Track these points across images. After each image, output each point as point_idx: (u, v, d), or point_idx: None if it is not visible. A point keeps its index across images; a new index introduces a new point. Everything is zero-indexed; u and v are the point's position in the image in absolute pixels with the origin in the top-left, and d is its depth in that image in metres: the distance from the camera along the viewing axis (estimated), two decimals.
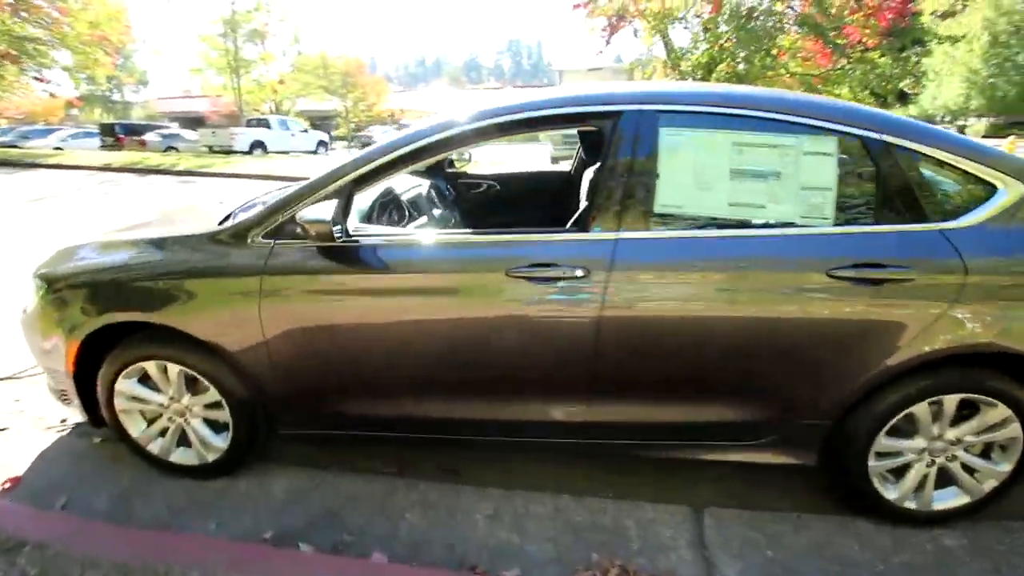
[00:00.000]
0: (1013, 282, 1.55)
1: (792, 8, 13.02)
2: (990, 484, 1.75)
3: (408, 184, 2.69)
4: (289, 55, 28.08)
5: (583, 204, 2.67)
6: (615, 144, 1.63)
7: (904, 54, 15.18)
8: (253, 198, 2.31)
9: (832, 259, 1.56)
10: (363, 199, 2.05)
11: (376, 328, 1.73)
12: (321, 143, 21.91)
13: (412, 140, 1.72)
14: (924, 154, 1.60)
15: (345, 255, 1.69)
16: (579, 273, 1.58)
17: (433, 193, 2.80)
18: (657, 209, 1.61)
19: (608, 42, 13.92)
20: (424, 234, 1.76)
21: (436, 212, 2.64)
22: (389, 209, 2.26)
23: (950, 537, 1.79)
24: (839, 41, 12.67)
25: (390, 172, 1.75)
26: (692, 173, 1.63)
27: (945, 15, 20.62)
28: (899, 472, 1.77)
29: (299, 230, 1.69)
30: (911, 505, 1.79)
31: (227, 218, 1.99)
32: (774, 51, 13.17)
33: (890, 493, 1.78)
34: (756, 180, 1.61)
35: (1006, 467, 1.72)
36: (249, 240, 1.76)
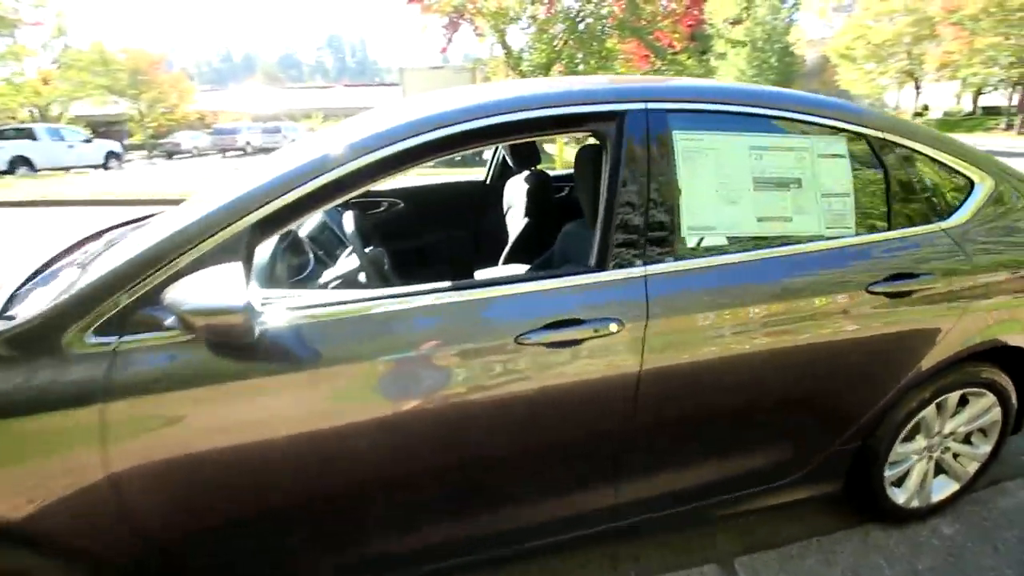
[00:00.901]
0: (1008, 276, 1.55)
1: (613, 11, 14.08)
2: (973, 467, 1.82)
3: None
4: (53, 49, 22.68)
5: (517, 221, 2.43)
6: (623, 153, 1.27)
7: (704, 56, 17.42)
8: (52, 258, 1.47)
9: (868, 273, 1.41)
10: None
11: (317, 450, 1.13)
12: (112, 154, 17.98)
13: (360, 153, 1.15)
14: (916, 151, 1.53)
15: (268, 351, 1.07)
16: (613, 328, 1.20)
17: (329, 221, 2.16)
18: (684, 232, 1.29)
19: (450, 40, 13.61)
20: (386, 294, 1.20)
21: (340, 250, 2.02)
22: (288, 255, 1.62)
23: (945, 525, 1.82)
24: (656, 44, 14.01)
25: (317, 204, 1.17)
26: (715, 185, 1.34)
27: (735, 22, 24.40)
28: (904, 474, 1.74)
29: (169, 320, 1.03)
30: (915, 503, 1.79)
31: (5, 307, 1.19)
32: (603, 53, 14.12)
33: (899, 497, 1.75)
34: (779, 189, 1.38)
35: (986, 448, 1.79)
36: (64, 344, 1.02)
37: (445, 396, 1.15)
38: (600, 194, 1.29)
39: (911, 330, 1.46)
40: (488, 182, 2.80)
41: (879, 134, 1.48)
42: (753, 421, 1.44)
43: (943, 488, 1.82)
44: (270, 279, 1.36)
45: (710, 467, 1.47)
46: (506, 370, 1.17)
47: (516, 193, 2.39)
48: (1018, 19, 20.86)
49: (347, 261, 1.57)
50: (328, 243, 1.97)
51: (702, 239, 1.32)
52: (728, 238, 1.34)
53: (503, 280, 1.22)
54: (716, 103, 1.35)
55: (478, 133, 1.22)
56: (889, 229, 1.47)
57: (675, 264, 1.27)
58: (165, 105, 28.13)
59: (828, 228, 1.41)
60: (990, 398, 1.69)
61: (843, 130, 1.45)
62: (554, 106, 1.27)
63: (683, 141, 1.31)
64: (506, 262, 2.27)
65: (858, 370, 1.46)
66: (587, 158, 1.52)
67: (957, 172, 1.58)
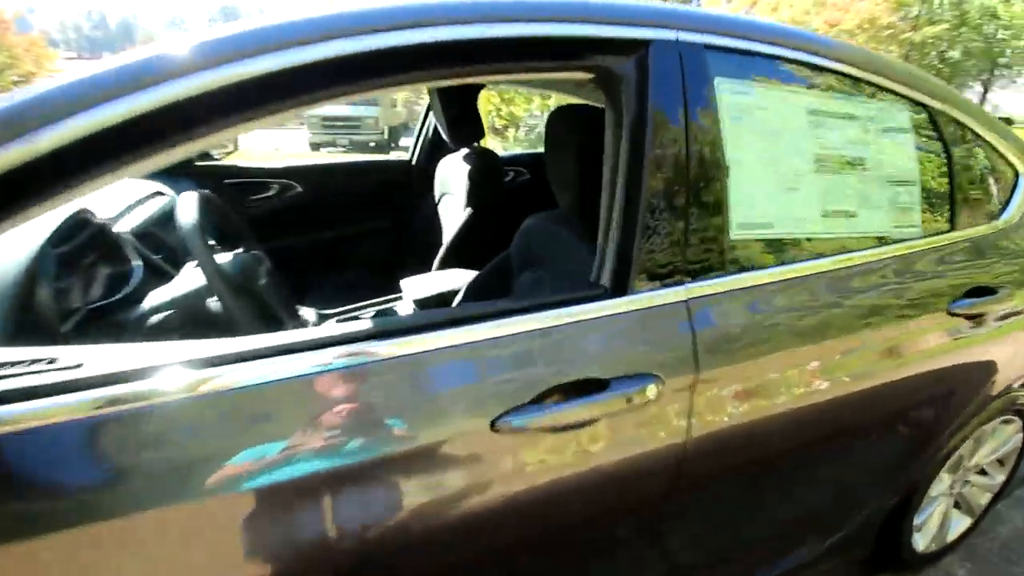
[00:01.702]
0: None
1: None
2: (986, 499, 1.61)
3: (124, 198, 1.37)
4: None
5: (455, 212, 1.86)
6: (648, 109, 0.80)
7: None
8: None
9: (947, 288, 1.06)
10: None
11: None
12: None
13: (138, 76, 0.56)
14: (974, 130, 1.21)
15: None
16: (651, 392, 0.73)
17: (214, 213, 1.50)
18: (735, 233, 0.85)
19: None
20: (227, 351, 0.62)
21: (226, 259, 1.38)
22: (92, 273, 0.98)
23: (957, 565, 1.61)
24: None
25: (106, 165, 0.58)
26: (771, 163, 0.91)
27: None
28: (927, 518, 1.48)
29: None
30: (933, 547, 1.54)
31: None
32: None
33: (919, 544, 1.49)
34: (843, 172, 0.99)
35: (1001, 478, 1.58)
36: None
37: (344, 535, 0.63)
38: (613, 175, 0.81)
39: (982, 359, 1.15)
40: (415, 162, 2.23)
41: (941, 106, 1.14)
42: (811, 482, 1.06)
43: (957, 525, 1.60)
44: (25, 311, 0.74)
45: (748, 548, 1.07)
46: (475, 482, 0.67)
47: (453, 177, 1.86)
48: (886, 35, 23.39)
49: (187, 276, 0.97)
50: (171, 245, 1.33)
51: (758, 241, 0.89)
52: (787, 240, 0.92)
53: (457, 318, 0.69)
54: (768, 42, 0.92)
55: (388, 59, 0.66)
56: (952, 229, 1.14)
57: (727, 280, 0.83)
58: (17, 73, 23.96)
59: (895, 226, 1.05)
60: (1016, 424, 1.47)
61: (906, 97, 1.09)
62: (534, 19, 0.76)
63: (728, 95, 0.87)
64: (442, 266, 1.75)
65: (925, 412, 1.13)
66: (574, 122, 1.05)
67: (1004, 160, 1.29)
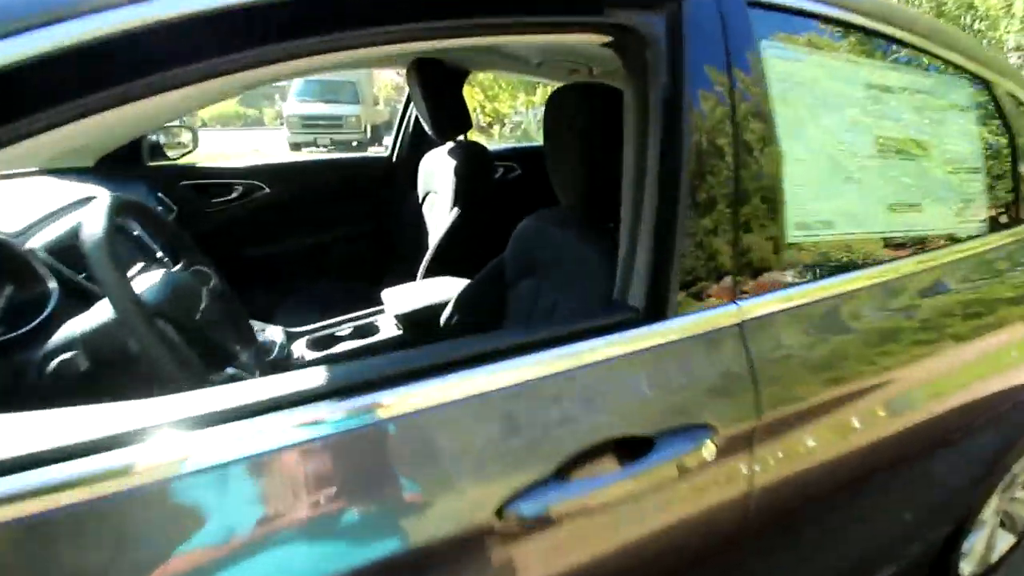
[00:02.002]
0: None
1: None
2: None
3: (39, 207, 1.15)
4: None
5: (441, 213, 1.64)
6: (686, 81, 0.62)
7: None
8: None
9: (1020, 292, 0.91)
10: None
11: None
12: None
13: None
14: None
15: None
16: (707, 450, 0.55)
17: (137, 222, 1.30)
18: (792, 236, 0.68)
19: None
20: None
21: (154, 280, 1.18)
22: None
23: None
24: None
25: None
26: (828, 148, 0.75)
27: None
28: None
29: None
30: (978, 571, 1.39)
31: None
32: None
33: (966, 570, 1.34)
34: (906, 159, 0.83)
35: None
36: None
37: None
38: (639, 167, 0.64)
39: None
40: (396, 158, 2.03)
41: (1005, 82, 0.98)
42: (875, 514, 0.90)
43: (1002, 544, 1.46)
44: None
45: None
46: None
47: (438, 173, 1.67)
48: None
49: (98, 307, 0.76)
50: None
51: (818, 245, 0.72)
52: (850, 242, 0.75)
53: (440, 363, 0.51)
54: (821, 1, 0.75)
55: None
56: (1015, 223, 0.99)
57: (787, 295, 0.66)
58: None
59: (961, 222, 0.89)
60: None
61: (967, 72, 0.93)
62: None
63: (778, 63, 0.70)
64: (428, 273, 1.56)
65: (994, 432, 0.98)
66: (581, 102, 0.87)
67: None
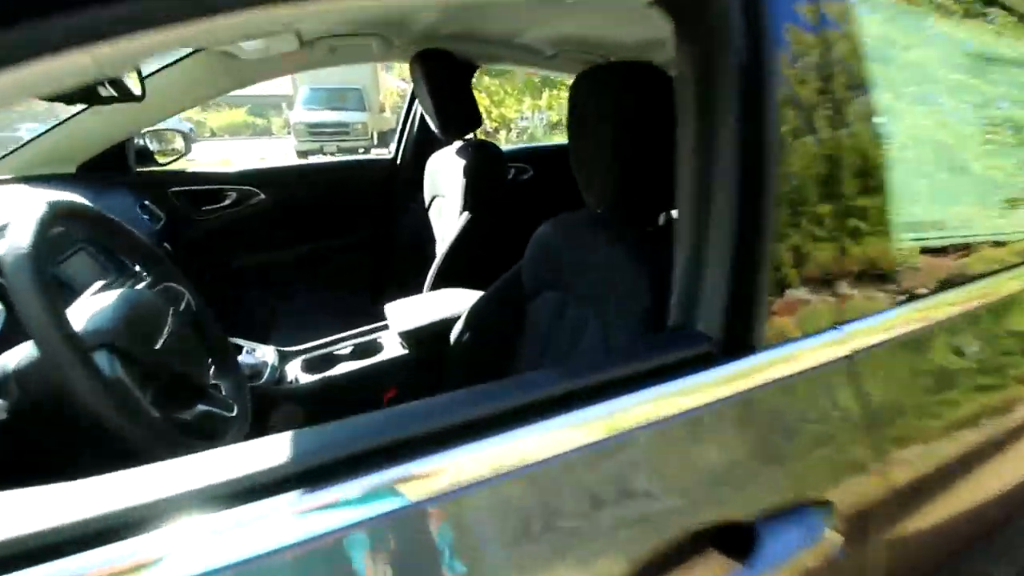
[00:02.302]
0: None
1: None
2: None
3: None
4: None
5: (449, 219, 1.45)
6: (766, 48, 0.48)
7: None
8: None
9: None
10: None
11: None
12: None
13: None
14: None
15: None
16: (832, 540, 0.40)
17: (85, 231, 1.17)
18: (901, 241, 0.53)
19: None
20: None
21: (104, 304, 1.05)
22: None
23: None
24: None
25: None
26: (934, 130, 0.60)
27: None
28: None
29: None
30: None
31: None
32: None
33: None
34: (1011, 146, 0.68)
35: None
36: None
37: None
38: (705, 156, 0.49)
39: None
40: (399, 161, 1.91)
41: None
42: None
43: None
44: None
45: None
46: None
47: (445, 175, 1.54)
48: None
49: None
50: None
51: (930, 251, 0.57)
52: (967, 245, 0.60)
53: (446, 428, 0.36)
54: None
55: None
56: None
57: (901, 315, 0.51)
58: None
59: None
60: None
61: None
62: None
63: (871, 24, 0.55)
64: (435, 285, 1.42)
65: None
66: (616, 82, 0.74)
67: None
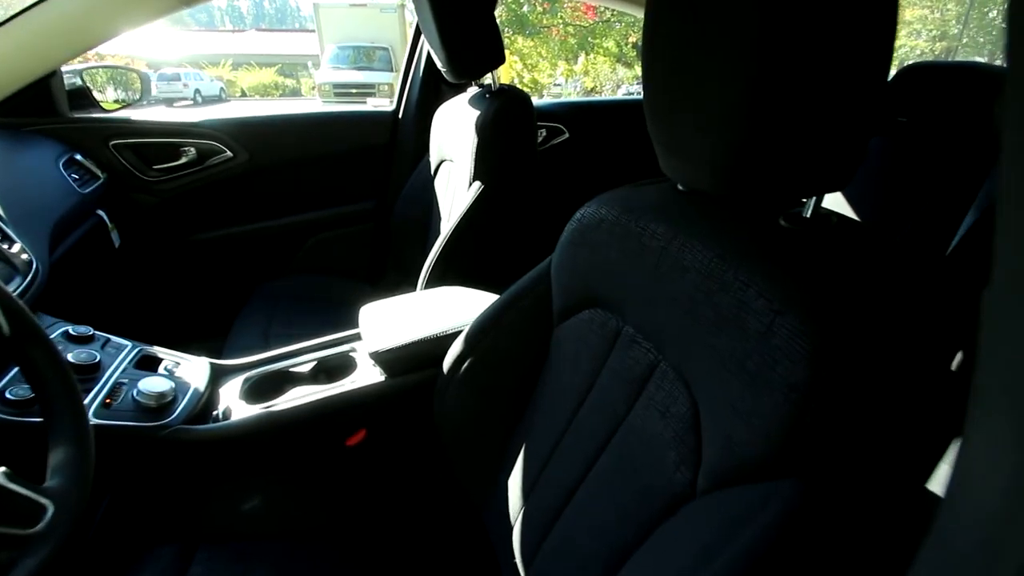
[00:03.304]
0: None
1: None
2: None
3: None
4: None
5: (457, 186, 1.07)
6: None
7: None
8: None
9: None
10: None
11: None
12: None
13: None
14: None
15: None
16: None
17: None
18: None
19: None
20: None
21: None
22: None
23: None
24: None
25: None
26: None
27: None
28: None
29: None
30: None
31: None
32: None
33: None
34: None
35: None
36: None
37: None
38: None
39: None
40: (402, 114, 1.53)
41: None
42: None
43: None
44: None
45: None
46: None
47: (455, 133, 1.16)
48: None
49: None
50: None
51: None
52: None
53: None
54: None
55: None
56: None
57: None
58: None
59: None
60: None
61: None
62: None
63: None
64: (431, 279, 1.07)
65: None
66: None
67: None
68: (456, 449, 0.75)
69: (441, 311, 0.88)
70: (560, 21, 13.72)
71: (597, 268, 0.60)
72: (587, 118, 1.65)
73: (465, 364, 0.73)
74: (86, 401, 0.73)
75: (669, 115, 0.48)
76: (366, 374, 0.86)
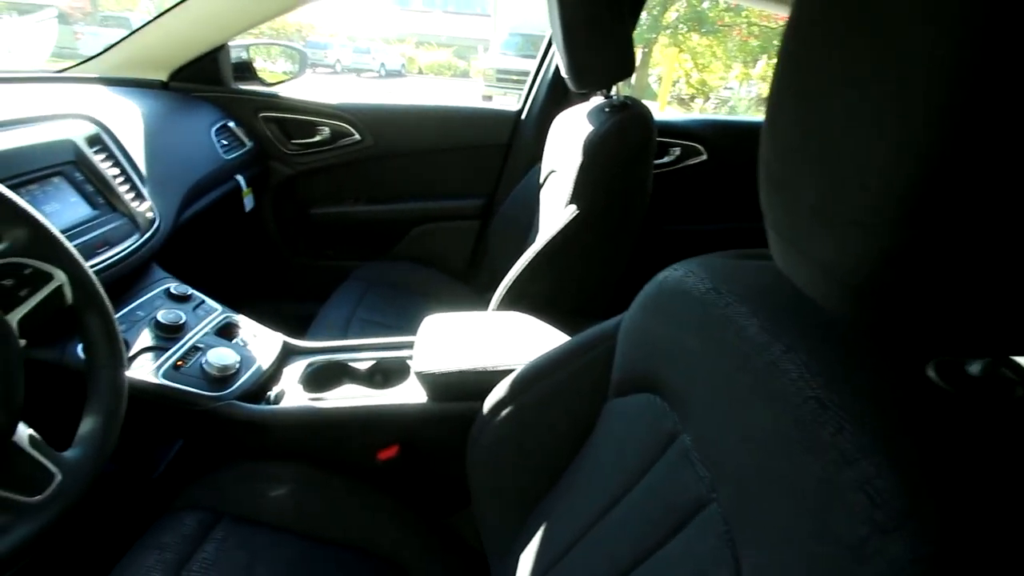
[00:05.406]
0: None
1: None
2: None
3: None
4: None
5: (560, 197, 0.98)
6: None
7: None
8: None
9: None
10: None
11: None
12: None
13: None
14: None
15: None
16: None
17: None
18: None
19: None
20: None
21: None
22: None
23: None
24: None
25: None
26: None
27: None
28: None
29: None
30: None
31: None
32: None
33: None
34: None
35: None
36: None
37: None
38: None
39: None
40: (525, 115, 1.47)
41: None
42: None
43: None
44: None
45: None
46: None
47: (565, 145, 1.07)
48: None
49: None
50: None
51: None
52: None
53: None
54: None
55: None
56: None
57: None
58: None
59: None
60: None
61: None
62: None
63: None
64: (507, 297, 1.00)
65: None
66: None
67: None
68: (480, 496, 0.69)
69: (499, 342, 0.81)
70: (744, 20, 12.63)
71: (667, 348, 0.48)
72: (731, 140, 1.45)
73: (505, 411, 0.65)
74: (162, 359, 0.79)
75: (788, 186, 0.33)
76: (412, 389, 0.83)
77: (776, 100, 0.31)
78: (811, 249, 0.31)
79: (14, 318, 0.49)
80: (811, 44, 0.27)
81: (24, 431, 0.49)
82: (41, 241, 0.52)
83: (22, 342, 0.49)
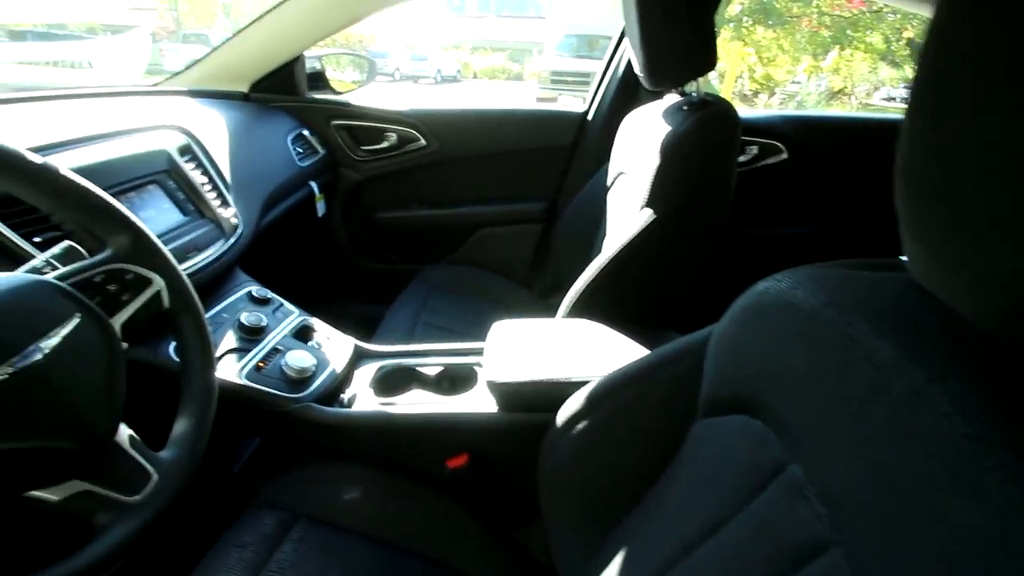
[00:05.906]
0: None
1: None
2: None
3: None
4: None
5: (633, 202, 0.94)
6: None
7: None
8: None
9: None
10: None
11: None
12: None
13: None
14: None
15: None
16: None
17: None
18: None
19: None
20: None
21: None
22: None
23: None
24: None
25: None
26: None
27: None
28: None
29: None
30: None
31: None
32: None
33: None
34: None
35: None
36: None
37: None
38: None
39: None
40: (592, 116, 1.43)
41: None
42: None
43: None
44: None
45: None
46: None
47: (638, 146, 1.03)
48: None
49: None
50: None
51: None
52: None
53: None
54: None
55: None
56: None
57: None
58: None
59: None
60: None
61: None
62: None
63: None
64: (577, 305, 0.97)
65: None
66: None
67: None
68: (551, 511, 0.66)
69: (572, 352, 0.78)
70: (815, 10, 11.95)
71: (770, 368, 0.43)
72: (816, 137, 1.35)
73: (581, 425, 0.62)
74: (244, 360, 0.82)
75: (952, 195, 0.28)
76: (482, 397, 0.81)
77: (931, 102, 0.27)
78: (980, 262, 0.26)
79: (117, 322, 0.51)
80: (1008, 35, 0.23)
81: (124, 431, 0.51)
82: (143, 248, 0.54)
83: (124, 345, 0.51)
